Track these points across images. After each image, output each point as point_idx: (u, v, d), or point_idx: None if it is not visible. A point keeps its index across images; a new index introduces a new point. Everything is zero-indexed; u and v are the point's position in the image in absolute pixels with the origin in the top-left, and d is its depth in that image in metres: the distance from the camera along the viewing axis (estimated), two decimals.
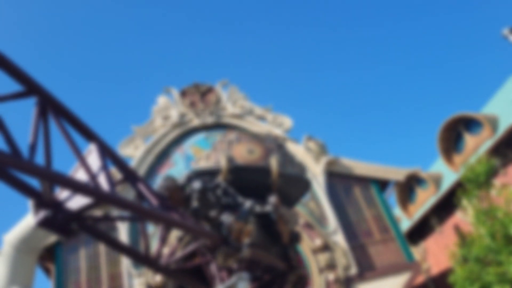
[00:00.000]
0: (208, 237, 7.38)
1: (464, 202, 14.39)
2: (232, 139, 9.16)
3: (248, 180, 8.57)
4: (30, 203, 5.51)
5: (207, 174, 8.47)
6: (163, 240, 7.82)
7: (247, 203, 7.68)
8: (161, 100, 19.17)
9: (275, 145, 9.38)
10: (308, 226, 15.66)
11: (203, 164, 8.91)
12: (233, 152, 8.82)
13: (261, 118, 18.87)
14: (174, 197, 7.39)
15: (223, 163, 8.47)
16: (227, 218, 7.24)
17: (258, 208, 7.89)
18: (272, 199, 8.14)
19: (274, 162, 8.70)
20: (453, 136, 19.46)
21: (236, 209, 7.65)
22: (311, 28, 66.77)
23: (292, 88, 68.25)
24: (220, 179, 8.30)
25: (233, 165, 8.49)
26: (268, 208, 8.06)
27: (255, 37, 67.09)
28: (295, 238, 9.10)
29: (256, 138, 9.54)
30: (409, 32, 65.87)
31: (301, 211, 15.65)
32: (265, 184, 8.55)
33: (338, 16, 66.34)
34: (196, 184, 7.52)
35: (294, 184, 9.26)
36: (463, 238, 14.89)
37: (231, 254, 7.43)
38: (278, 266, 8.54)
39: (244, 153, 8.85)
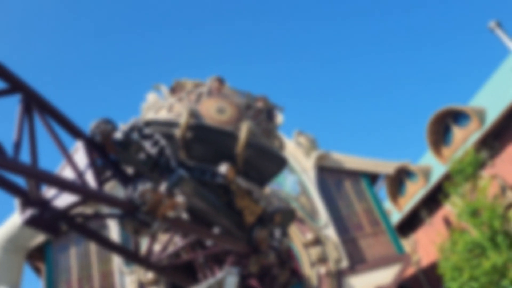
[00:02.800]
0: (117, 206, 5.99)
1: (451, 195, 14.57)
2: (203, 91, 7.66)
3: (209, 144, 7.22)
4: (16, 202, 5.42)
5: (162, 126, 7.26)
6: (154, 237, 7.80)
7: (180, 171, 6.29)
8: (151, 97, 19.06)
9: (254, 109, 7.90)
10: (300, 220, 15.71)
11: (163, 114, 7.50)
12: (200, 107, 7.36)
13: None
14: (109, 144, 6.52)
15: (183, 117, 7.06)
16: (142, 185, 5.81)
17: (197, 175, 6.83)
18: (223, 168, 6.87)
19: (244, 129, 7.20)
20: (441, 129, 19.61)
21: (164, 175, 6.42)
22: (300, 23, 66.78)
23: (282, 84, 68.27)
24: (176, 135, 7.02)
25: (194, 123, 7.07)
26: (218, 179, 6.86)
27: (245, 34, 66.94)
28: (269, 219, 8.28)
29: (233, 95, 7.92)
30: (398, 25, 66.16)
31: (293, 206, 15.69)
32: (230, 153, 7.20)
33: (327, 9, 66.41)
34: (118, 135, 6.29)
35: (267, 159, 7.81)
36: (452, 230, 15.05)
37: (138, 228, 6.07)
38: (226, 247, 8.08)
39: (212, 110, 7.35)
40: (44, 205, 5.73)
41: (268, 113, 8.51)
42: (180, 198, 6.05)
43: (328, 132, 65.75)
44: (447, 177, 16.61)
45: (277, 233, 8.85)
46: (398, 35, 66.66)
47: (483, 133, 16.76)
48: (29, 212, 5.60)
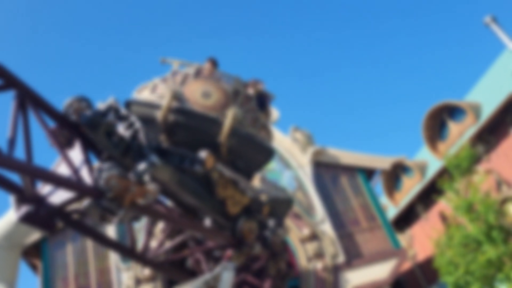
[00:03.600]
0: (82, 191, 5.67)
1: (446, 191, 14.63)
2: (190, 73, 7.13)
3: (192, 130, 6.77)
4: (11, 199, 5.39)
5: (143, 108, 6.84)
6: (150, 234, 7.81)
7: (152, 157, 5.80)
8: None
9: (243, 95, 7.37)
10: (296, 216, 15.74)
11: (145, 95, 7.01)
12: (185, 89, 6.87)
13: None
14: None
15: (165, 99, 6.60)
16: (108, 170, 5.50)
17: (175, 162, 6.40)
18: (201, 155, 6.37)
19: (230, 116, 6.71)
20: (437, 124, 19.65)
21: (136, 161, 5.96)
22: (297, 19, 66.68)
23: (278, 79, 68.19)
24: (158, 118, 6.58)
25: (177, 107, 6.61)
26: (196, 167, 6.35)
27: (241, 28, 66.80)
28: (257, 209, 8.06)
29: (221, 79, 7.34)
30: (393, 21, 66.14)
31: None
32: (213, 141, 6.80)
33: (322, 7, 66.30)
34: (86, 114, 5.80)
35: (253, 149, 7.37)
36: (448, 225, 15.12)
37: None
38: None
39: (197, 94, 6.84)
40: (39, 201, 5.72)
41: (260, 101, 8.06)
42: (151, 186, 5.64)
43: (325, 128, 65.82)
44: (443, 172, 16.67)
45: (271, 223, 8.65)
46: (394, 31, 66.70)
47: (478, 128, 16.81)
48: (25, 209, 5.59)
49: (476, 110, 17.94)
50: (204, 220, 7.66)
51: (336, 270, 14.87)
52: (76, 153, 6.16)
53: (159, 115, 6.60)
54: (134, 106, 6.94)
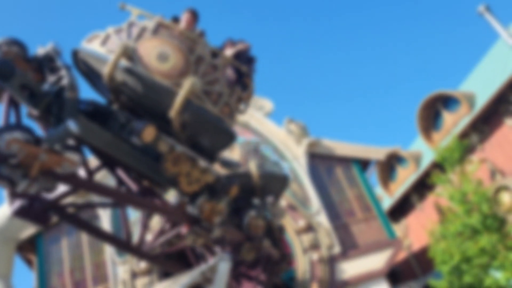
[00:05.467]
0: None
1: (438, 184, 14.73)
2: (148, 27, 6.01)
3: (141, 96, 5.91)
4: (4, 193, 5.32)
5: (89, 60, 6.03)
6: (145, 226, 7.77)
7: (69, 123, 4.83)
8: None
9: (208, 63, 6.21)
10: (292, 207, 15.76)
11: (95, 46, 6.03)
12: (139, 45, 5.81)
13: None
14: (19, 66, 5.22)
15: (113, 54, 5.61)
16: (9, 132, 4.66)
17: (113, 129, 5.81)
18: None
19: (185, 87, 5.71)
20: (431, 114, 19.70)
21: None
22: (287, 10, 66.39)
23: (272, 71, 68.02)
24: (104, 75, 5.65)
25: (124, 66, 5.65)
26: (133, 139, 5.78)
27: (232, 21, 66.42)
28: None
29: (186, 40, 6.07)
30: (387, 11, 66.05)
31: (284, 193, 15.72)
32: (165, 113, 5.88)
33: None
34: None
35: (210, 129, 6.44)
36: (443, 215, 15.22)
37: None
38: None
39: (152, 54, 5.78)
40: (33, 195, 5.65)
41: (238, 73, 6.94)
42: (71, 155, 5.04)
43: (319, 119, 65.85)
44: (437, 163, 16.75)
45: (257, 204, 8.43)
46: (388, 21, 66.63)
47: (472, 117, 16.87)
48: (18, 203, 5.52)
49: (470, 100, 17.99)
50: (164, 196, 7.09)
51: (332, 261, 14.93)
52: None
53: (105, 71, 5.59)
54: (80, 57, 6.10)
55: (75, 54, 6.19)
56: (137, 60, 5.67)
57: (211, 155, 6.85)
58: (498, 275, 12.28)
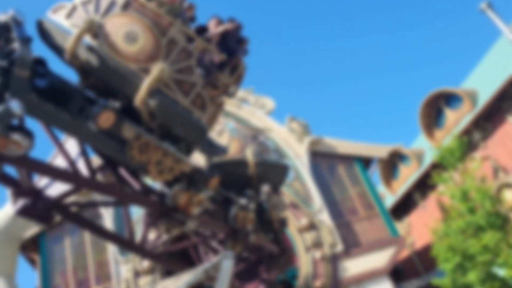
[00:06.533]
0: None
1: (439, 183, 14.70)
2: (119, 1, 5.31)
3: (105, 79, 5.32)
4: (8, 192, 5.33)
5: (53, 33, 5.47)
6: (148, 225, 7.78)
7: (12, 103, 4.39)
8: None
9: (181, 47, 5.50)
10: (294, 206, 15.76)
11: (59, 18, 5.41)
12: (107, 21, 5.13)
13: (243, 100, 18.76)
14: None
15: (78, 30, 4.96)
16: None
17: (72, 111, 5.26)
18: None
19: (153, 74, 5.09)
20: (434, 112, 19.65)
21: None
22: (286, 8, 66.31)
23: (274, 70, 68.01)
24: (66, 51, 5.05)
25: (88, 45, 5.06)
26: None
27: (235, 14, 66.22)
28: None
29: (159, 19, 5.38)
30: (389, 9, 65.93)
31: (286, 191, 15.71)
32: (129, 98, 5.35)
33: None
34: None
35: (180, 122, 5.79)
36: (446, 212, 15.17)
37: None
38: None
39: (119, 33, 5.09)
40: (36, 194, 5.68)
41: (229, 51, 6.31)
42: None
43: (321, 118, 65.81)
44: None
45: (249, 195, 7.93)
46: (390, 19, 66.51)
47: (475, 115, 16.82)
48: (22, 202, 5.55)
49: (473, 97, 17.94)
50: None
51: (334, 259, 14.93)
52: (72, 145, 6.10)
53: (67, 47, 4.97)
54: (45, 29, 5.53)
55: (40, 25, 5.57)
56: (103, 38, 5.00)
57: (188, 145, 6.31)
58: (502, 273, 12.25)
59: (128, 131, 5.33)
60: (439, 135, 19.36)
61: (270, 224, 8.85)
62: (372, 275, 14.78)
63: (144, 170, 5.80)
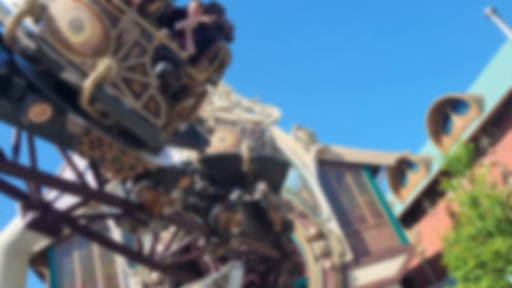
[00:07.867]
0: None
1: (448, 190, 14.57)
2: None
3: (47, 69, 4.54)
4: (17, 206, 5.34)
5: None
6: (156, 237, 7.77)
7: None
8: None
9: (135, 40, 4.75)
10: (302, 215, 15.68)
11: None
12: (52, 3, 4.40)
13: (249, 110, 18.80)
14: None
15: (17, 10, 4.20)
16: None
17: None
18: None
19: (99, 69, 4.44)
20: (441, 118, 19.57)
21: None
22: (293, 16, 66.65)
23: (280, 78, 68.19)
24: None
25: (27, 30, 4.31)
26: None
27: (239, 31, 66.68)
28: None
29: (111, 7, 4.60)
30: (395, 16, 66.07)
31: (294, 200, 15.65)
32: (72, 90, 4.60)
33: (323, 4, 66.29)
34: None
35: (131, 122, 4.95)
36: (456, 219, 15.02)
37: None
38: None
39: (64, 20, 4.37)
40: (45, 207, 5.68)
41: (204, 42, 5.74)
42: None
43: (327, 126, 65.75)
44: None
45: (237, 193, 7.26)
46: (395, 26, 66.62)
47: (482, 120, 16.72)
48: (31, 215, 5.55)
49: (480, 102, 17.85)
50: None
51: (344, 268, 14.80)
52: (80, 158, 6.11)
53: (4, 29, 4.31)
54: None
55: None
56: (46, 22, 4.29)
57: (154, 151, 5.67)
58: None
59: (74, 125, 4.77)
60: (446, 142, 19.25)
61: (270, 227, 8.41)
62: (383, 284, 14.63)
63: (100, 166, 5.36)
